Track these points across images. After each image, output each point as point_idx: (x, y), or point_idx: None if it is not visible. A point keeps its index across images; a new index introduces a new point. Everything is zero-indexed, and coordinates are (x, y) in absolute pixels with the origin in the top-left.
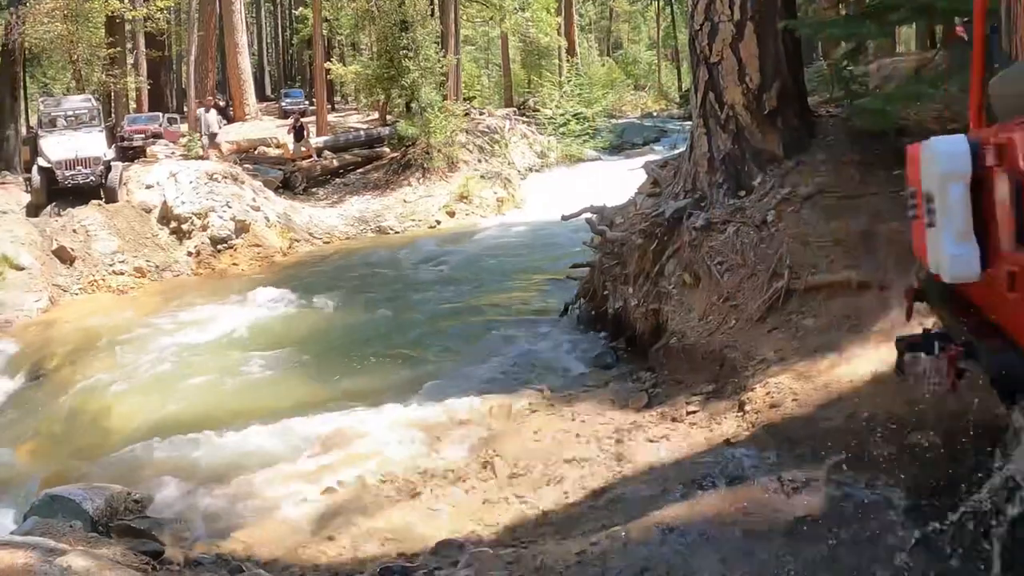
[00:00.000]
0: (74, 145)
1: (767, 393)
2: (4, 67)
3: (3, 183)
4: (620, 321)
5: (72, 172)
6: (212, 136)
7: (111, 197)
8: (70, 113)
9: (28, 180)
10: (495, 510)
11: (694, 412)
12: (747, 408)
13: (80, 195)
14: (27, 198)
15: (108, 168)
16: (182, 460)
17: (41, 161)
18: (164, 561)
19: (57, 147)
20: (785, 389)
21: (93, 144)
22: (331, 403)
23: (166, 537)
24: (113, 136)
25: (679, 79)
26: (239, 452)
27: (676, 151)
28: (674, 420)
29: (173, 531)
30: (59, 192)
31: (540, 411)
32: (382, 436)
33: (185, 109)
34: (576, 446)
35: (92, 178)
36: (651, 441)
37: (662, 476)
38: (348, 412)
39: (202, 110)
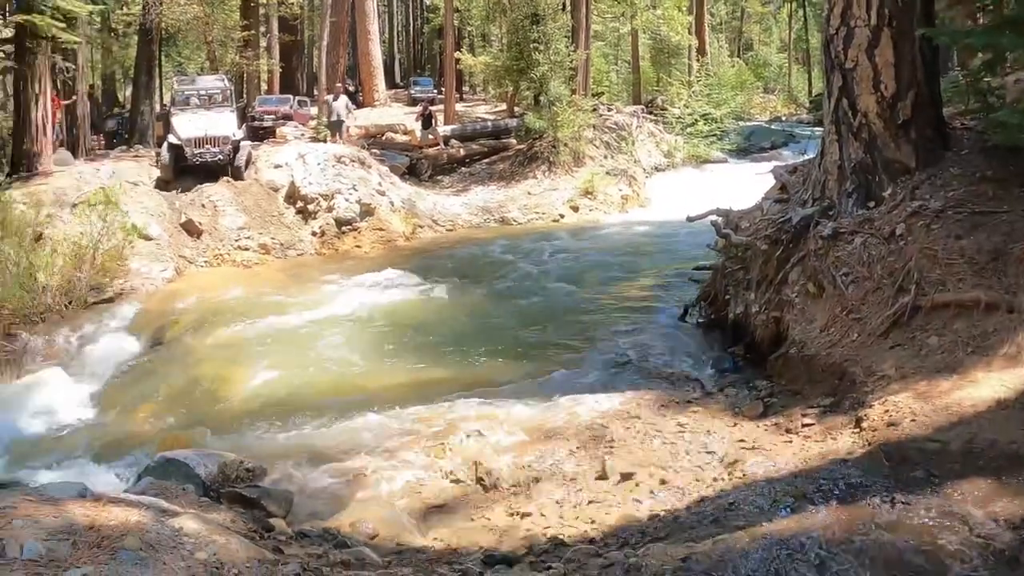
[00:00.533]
0: (204, 124)
1: (885, 411)
2: (141, 46)
3: (137, 156)
4: (740, 327)
5: (200, 150)
6: (339, 123)
7: (238, 176)
8: (203, 92)
9: (158, 155)
10: (603, 510)
11: (809, 425)
12: (864, 425)
13: (209, 173)
14: (159, 172)
15: (236, 148)
16: (295, 435)
17: (171, 138)
18: (272, 530)
19: (188, 125)
20: (904, 408)
21: (223, 123)
22: (446, 392)
23: (274, 508)
24: (244, 116)
25: (809, 83)
26: (352, 433)
27: (805, 157)
28: (788, 431)
29: (282, 502)
30: (188, 169)
31: (653, 412)
32: (494, 429)
33: (315, 93)
34: (687, 451)
35: (220, 157)
36: (764, 451)
37: (773, 488)
38: (462, 403)
39: (330, 97)
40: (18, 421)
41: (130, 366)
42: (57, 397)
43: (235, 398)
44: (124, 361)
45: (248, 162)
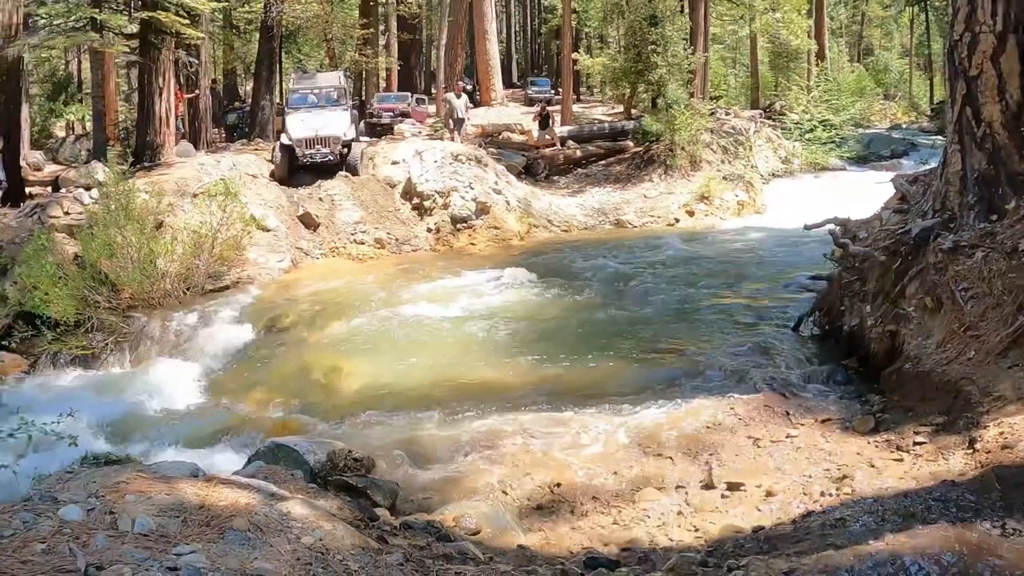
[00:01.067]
0: (315, 124)
1: (1000, 433)
2: (262, 43)
3: (256, 149)
4: (854, 339)
5: (311, 151)
6: (459, 121)
7: (353, 172)
8: (317, 90)
9: (273, 153)
10: (707, 520)
11: (921, 443)
12: (977, 446)
13: (323, 171)
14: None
15: (348, 147)
16: (403, 428)
17: (283, 138)
18: (376, 520)
19: (299, 126)
20: (1020, 431)
21: (335, 123)
22: (555, 393)
23: (380, 498)
24: (363, 113)
25: (931, 90)
26: (460, 429)
27: (926, 167)
28: (899, 448)
29: (387, 493)
30: (300, 168)
31: (763, 423)
32: (601, 433)
33: (433, 91)
34: (796, 463)
35: (330, 157)
36: (873, 467)
37: (881, 505)
38: (570, 405)
39: (451, 94)
40: (133, 402)
41: (244, 353)
42: (172, 381)
43: (345, 389)
44: (238, 348)
45: (362, 160)
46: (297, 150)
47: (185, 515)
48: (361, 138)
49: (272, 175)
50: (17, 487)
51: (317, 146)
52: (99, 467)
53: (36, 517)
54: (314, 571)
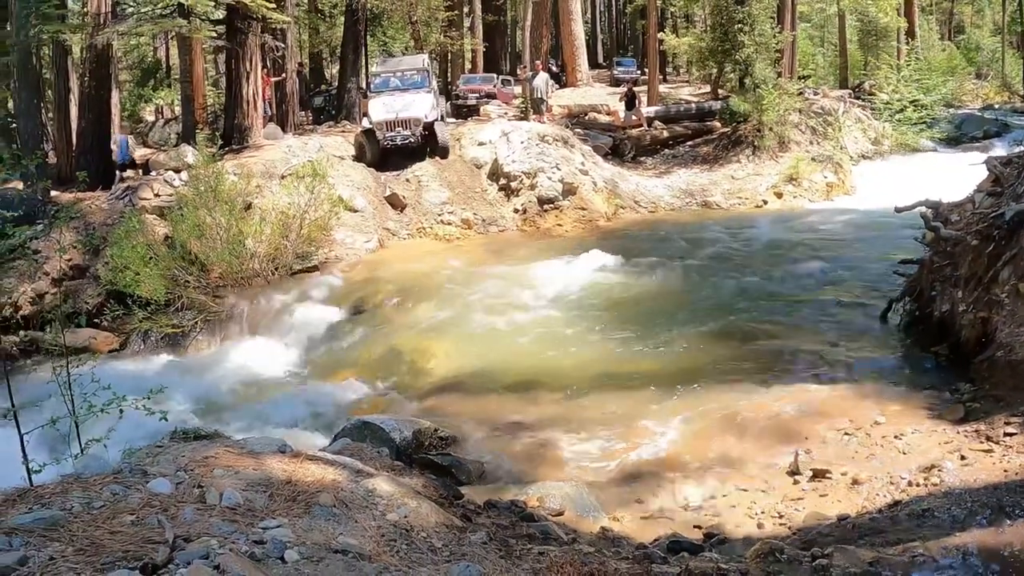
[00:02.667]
0: (396, 106)
1: None
2: (348, 26)
3: (343, 131)
4: (944, 325)
5: (392, 133)
6: (540, 100)
7: (441, 154)
8: (399, 73)
9: (356, 138)
10: (791, 507)
11: (1012, 434)
12: None
13: (409, 154)
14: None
15: (430, 128)
16: (489, 408)
17: (365, 121)
18: (461, 498)
19: (380, 108)
20: None
21: (416, 105)
22: (641, 377)
23: (464, 477)
24: (448, 95)
25: None
26: (546, 410)
27: (1019, 148)
28: (989, 439)
29: (472, 472)
30: (387, 150)
31: (849, 409)
32: (686, 416)
33: (519, 72)
34: (882, 451)
35: (411, 140)
36: (963, 458)
37: (970, 496)
38: (657, 389)
39: (531, 74)
40: (222, 380)
41: (331, 333)
42: (260, 359)
43: (431, 368)
44: (326, 328)
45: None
46: (377, 133)
47: (272, 490)
48: (447, 119)
49: (356, 158)
50: (108, 460)
51: (397, 128)
52: (188, 442)
53: (126, 489)
54: (398, 547)
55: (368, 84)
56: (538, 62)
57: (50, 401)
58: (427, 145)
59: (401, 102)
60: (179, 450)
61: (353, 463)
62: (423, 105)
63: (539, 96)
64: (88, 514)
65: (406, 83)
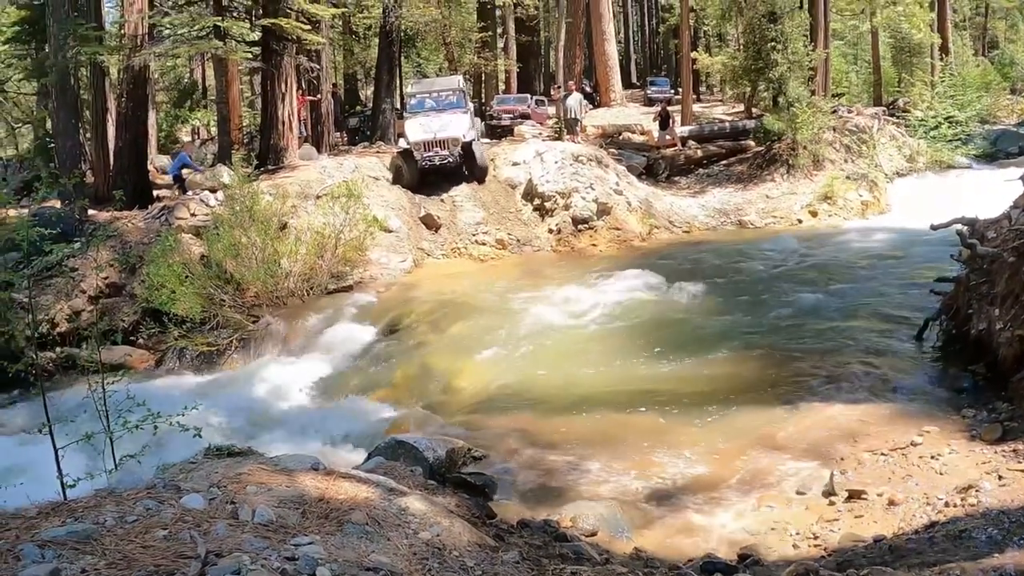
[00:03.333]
0: (434, 127)
1: None
2: (382, 47)
3: (378, 152)
4: (982, 344)
5: (429, 154)
6: (575, 120)
7: (478, 176)
8: (435, 94)
9: (393, 160)
10: (826, 528)
11: None
12: None
13: (447, 175)
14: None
15: (468, 148)
16: (522, 428)
17: (402, 142)
18: (494, 518)
19: (418, 128)
20: None
21: (453, 125)
22: (677, 395)
23: (498, 496)
24: (482, 115)
25: None
26: (580, 429)
27: None
28: None
29: (505, 492)
30: (423, 172)
31: (885, 429)
32: (722, 435)
33: (552, 92)
34: (919, 472)
35: (449, 160)
36: (1000, 478)
37: (1007, 517)
38: (690, 406)
39: (564, 94)
40: (256, 398)
41: (366, 352)
42: (294, 377)
43: (466, 388)
44: (360, 347)
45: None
46: (415, 153)
47: (304, 507)
48: (482, 140)
49: (393, 180)
50: (142, 476)
51: (435, 148)
52: (221, 458)
53: (159, 504)
54: (431, 566)
55: (403, 105)
56: (571, 82)
57: (85, 417)
58: (464, 166)
59: (438, 122)
60: (212, 466)
61: (386, 481)
62: (461, 125)
63: (572, 116)
64: (121, 528)
65: (442, 104)
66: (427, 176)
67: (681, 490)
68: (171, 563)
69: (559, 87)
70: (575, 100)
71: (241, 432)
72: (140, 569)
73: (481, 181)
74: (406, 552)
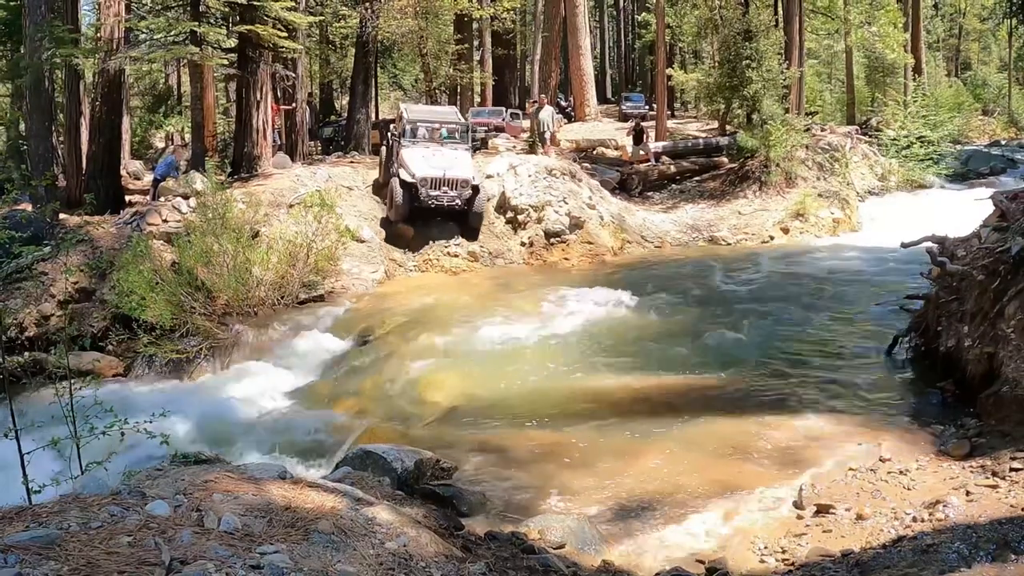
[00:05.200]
0: (442, 162)
1: None
2: (358, 57)
3: (353, 162)
4: (950, 361)
5: (437, 193)
6: (542, 135)
7: (476, 223)
8: (436, 125)
9: (386, 196)
10: (794, 542)
11: (1018, 470)
12: None
13: (444, 216)
14: (372, 175)
15: (475, 192)
16: (491, 440)
17: (403, 174)
18: (461, 529)
19: (422, 162)
20: None
21: (462, 164)
22: (646, 408)
23: (465, 508)
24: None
25: None
26: (548, 441)
27: None
28: (995, 475)
29: (473, 503)
30: (419, 211)
31: (854, 444)
32: (688, 447)
33: (527, 107)
34: (887, 487)
35: (457, 202)
36: (968, 494)
37: (975, 533)
38: (659, 418)
39: (536, 108)
40: (225, 406)
41: (336, 362)
42: (264, 386)
43: (435, 400)
44: (330, 357)
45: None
46: (421, 190)
47: (271, 516)
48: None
49: (384, 220)
50: (108, 482)
51: (444, 188)
52: (188, 466)
53: (124, 511)
54: None
55: (401, 131)
56: (543, 96)
57: (52, 423)
58: (465, 209)
59: (444, 159)
60: (179, 473)
61: (353, 491)
62: (468, 164)
63: (543, 130)
64: (85, 534)
65: (443, 136)
66: (423, 212)
67: (649, 503)
68: (135, 570)
69: (533, 101)
70: (547, 114)
71: (209, 440)
72: (104, 575)
73: (476, 231)
74: (372, 562)
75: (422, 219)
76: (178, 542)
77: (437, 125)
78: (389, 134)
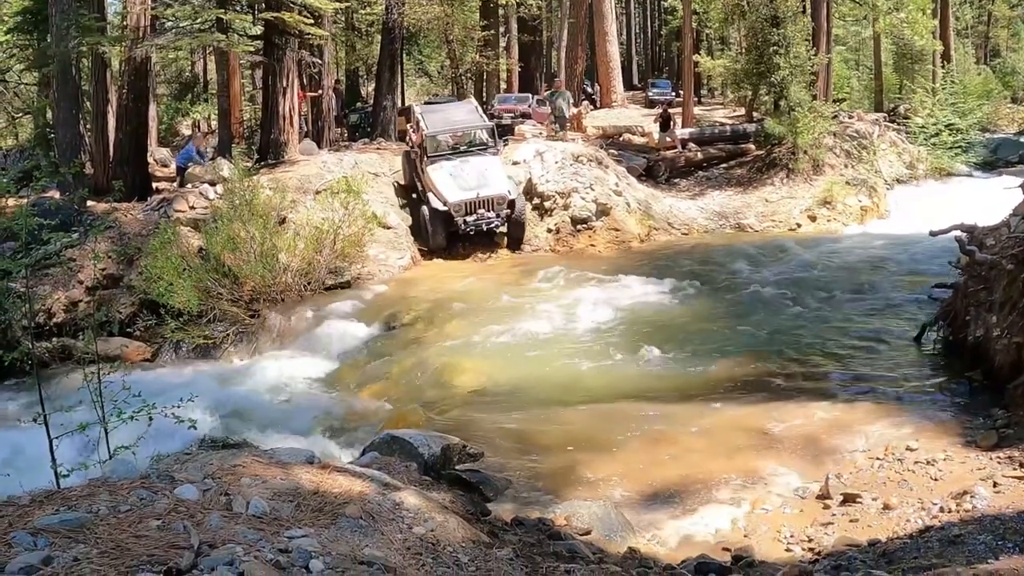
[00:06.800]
0: (473, 179)
1: None
2: (384, 44)
3: (379, 149)
4: (978, 350)
5: (473, 218)
6: (562, 119)
7: (517, 234)
8: (458, 133)
9: (423, 222)
10: (821, 531)
11: None
12: None
13: (481, 236)
14: (399, 162)
15: (512, 206)
16: (519, 425)
17: (434, 201)
18: (488, 515)
19: (452, 185)
20: None
21: (494, 178)
22: (672, 394)
23: (492, 493)
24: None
25: None
26: (575, 427)
27: None
28: (1023, 466)
29: (500, 489)
30: (456, 236)
31: (882, 433)
32: (715, 434)
33: (542, 92)
34: (914, 477)
35: (496, 223)
36: (995, 485)
37: (1002, 523)
38: (685, 405)
39: (551, 91)
40: (252, 391)
41: (362, 348)
42: (290, 372)
43: (461, 385)
44: (357, 343)
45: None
46: (456, 218)
47: (299, 500)
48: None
49: (427, 241)
50: (136, 467)
51: (479, 210)
52: (216, 450)
53: (153, 495)
54: (424, 561)
55: (422, 145)
56: (558, 80)
57: (80, 408)
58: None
59: (474, 173)
60: (207, 458)
61: (381, 476)
62: (500, 176)
63: (561, 114)
64: (114, 517)
65: (466, 143)
66: (453, 244)
67: (675, 490)
68: (164, 553)
69: (547, 86)
70: (564, 98)
71: (236, 425)
72: (132, 559)
73: (519, 241)
74: (400, 546)
75: (460, 239)
76: (207, 526)
77: (456, 131)
78: (408, 143)
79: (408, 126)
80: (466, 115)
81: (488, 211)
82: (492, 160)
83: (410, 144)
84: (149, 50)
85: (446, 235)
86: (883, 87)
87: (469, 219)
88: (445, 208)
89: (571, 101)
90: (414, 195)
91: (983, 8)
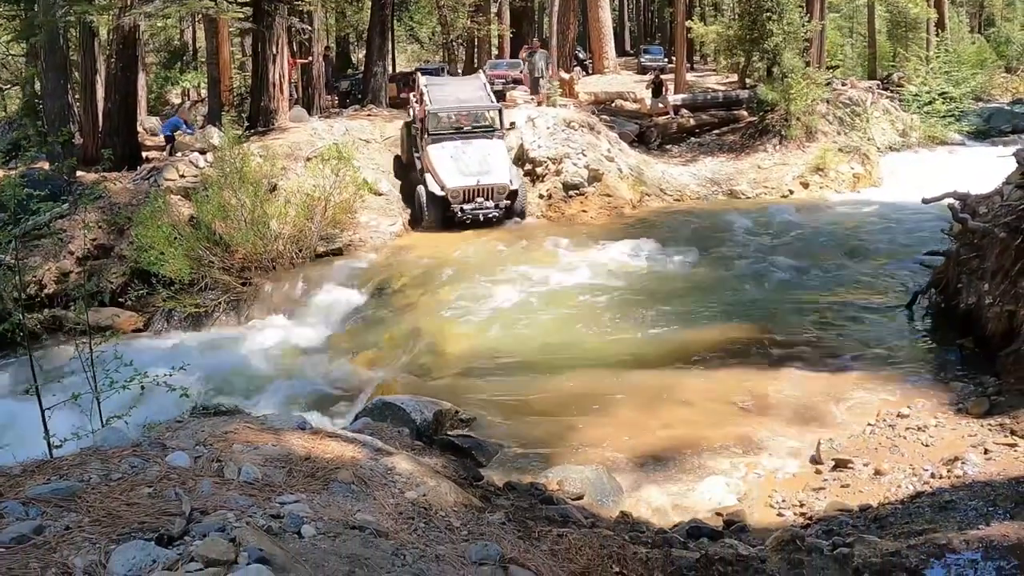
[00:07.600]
0: (474, 166)
1: None
2: (375, 10)
3: (370, 115)
4: (970, 318)
5: (471, 206)
6: (536, 80)
7: (518, 214)
8: (462, 113)
9: (417, 203)
10: (812, 496)
11: None
12: None
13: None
14: (390, 128)
15: (514, 196)
16: (511, 390)
17: (431, 183)
18: (480, 479)
19: (451, 169)
20: None
21: (496, 164)
22: (666, 360)
23: (484, 458)
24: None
25: None
26: (567, 393)
27: None
28: (1014, 433)
29: (492, 454)
30: (452, 220)
31: (874, 400)
32: (707, 399)
33: (520, 53)
34: (906, 443)
35: (495, 213)
36: (986, 452)
37: (993, 490)
38: (679, 370)
39: (527, 52)
40: (244, 359)
41: (354, 315)
42: (282, 339)
43: (453, 351)
44: (349, 310)
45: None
46: (453, 205)
47: (291, 466)
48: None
49: (411, 221)
50: (128, 435)
51: (478, 198)
52: (208, 417)
53: (144, 462)
54: (416, 525)
55: (423, 125)
56: (536, 40)
57: (73, 378)
58: (506, 215)
59: (476, 158)
60: (199, 425)
61: (373, 441)
62: (503, 162)
63: (538, 75)
64: (106, 485)
65: (470, 123)
66: (449, 228)
67: (668, 455)
68: (155, 520)
69: (527, 47)
70: (541, 58)
71: (228, 392)
72: (124, 526)
73: (522, 218)
74: (392, 511)
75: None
76: (198, 492)
77: (459, 111)
78: (409, 112)
79: (411, 96)
80: (473, 93)
81: (488, 200)
82: (496, 145)
83: (411, 115)
84: (137, 18)
85: (441, 219)
86: (877, 55)
87: (467, 207)
88: (442, 193)
89: (549, 60)
90: (412, 173)
91: None
